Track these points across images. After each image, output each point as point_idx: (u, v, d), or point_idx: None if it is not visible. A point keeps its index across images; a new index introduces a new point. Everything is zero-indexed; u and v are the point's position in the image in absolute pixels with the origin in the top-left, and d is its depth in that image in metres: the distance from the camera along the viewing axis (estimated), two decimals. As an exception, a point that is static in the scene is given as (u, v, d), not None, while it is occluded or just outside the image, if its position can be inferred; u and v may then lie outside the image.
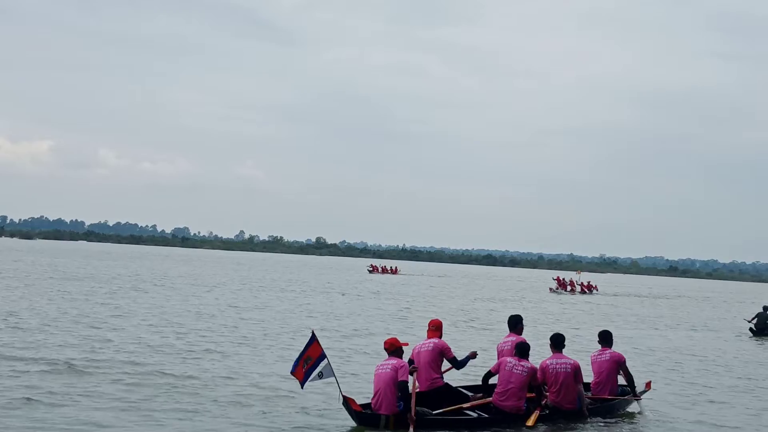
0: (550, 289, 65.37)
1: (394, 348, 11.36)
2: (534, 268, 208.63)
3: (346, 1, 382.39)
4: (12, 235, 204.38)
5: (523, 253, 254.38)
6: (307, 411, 12.34)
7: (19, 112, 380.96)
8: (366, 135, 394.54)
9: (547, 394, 12.20)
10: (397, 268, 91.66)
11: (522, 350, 12.07)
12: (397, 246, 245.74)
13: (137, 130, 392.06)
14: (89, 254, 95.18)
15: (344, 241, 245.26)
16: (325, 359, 11.03)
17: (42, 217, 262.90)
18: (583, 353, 17.48)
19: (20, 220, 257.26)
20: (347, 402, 11.01)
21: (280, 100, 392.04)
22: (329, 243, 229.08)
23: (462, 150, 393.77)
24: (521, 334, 12.97)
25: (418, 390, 11.24)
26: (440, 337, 12.35)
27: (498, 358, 12.61)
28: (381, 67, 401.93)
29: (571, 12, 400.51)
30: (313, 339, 11.05)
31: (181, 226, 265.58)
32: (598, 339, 13.59)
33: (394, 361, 11.18)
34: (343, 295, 43.23)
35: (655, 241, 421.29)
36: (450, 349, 12.24)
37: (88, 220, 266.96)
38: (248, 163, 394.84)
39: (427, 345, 12.10)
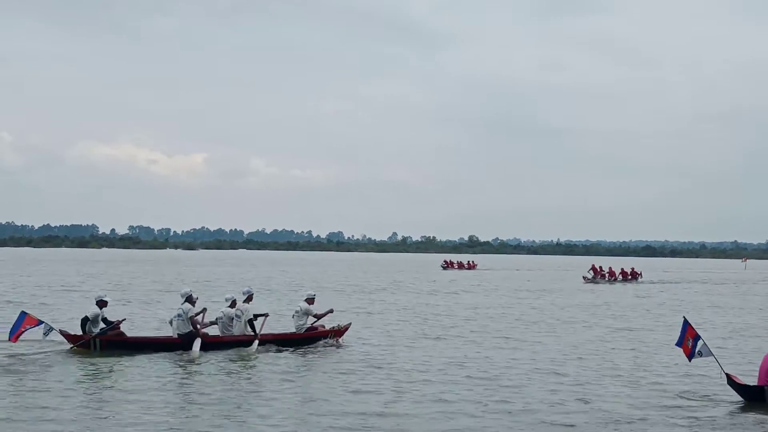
0: (584, 278, 60.98)
1: None
2: (696, 257, 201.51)
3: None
4: (176, 247, 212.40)
5: (684, 242, 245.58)
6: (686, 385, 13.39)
7: (171, 127, 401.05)
8: (512, 131, 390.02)
9: None
10: (475, 263, 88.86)
11: None
12: (551, 241, 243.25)
13: (287, 138, 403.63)
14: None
15: (497, 239, 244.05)
16: (701, 339, 11.99)
17: (203, 227, 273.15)
18: None
19: (183, 231, 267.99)
20: (731, 379, 11.86)
21: (423, 101, 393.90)
22: (482, 241, 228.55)
23: (611, 142, 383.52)
24: None
25: None
26: None
27: None
28: (523, 63, 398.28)
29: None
30: (686, 323, 12.05)
31: (335, 231, 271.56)
32: None
33: None
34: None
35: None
36: None
37: (247, 229, 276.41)
38: (397, 166, 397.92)
39: None
